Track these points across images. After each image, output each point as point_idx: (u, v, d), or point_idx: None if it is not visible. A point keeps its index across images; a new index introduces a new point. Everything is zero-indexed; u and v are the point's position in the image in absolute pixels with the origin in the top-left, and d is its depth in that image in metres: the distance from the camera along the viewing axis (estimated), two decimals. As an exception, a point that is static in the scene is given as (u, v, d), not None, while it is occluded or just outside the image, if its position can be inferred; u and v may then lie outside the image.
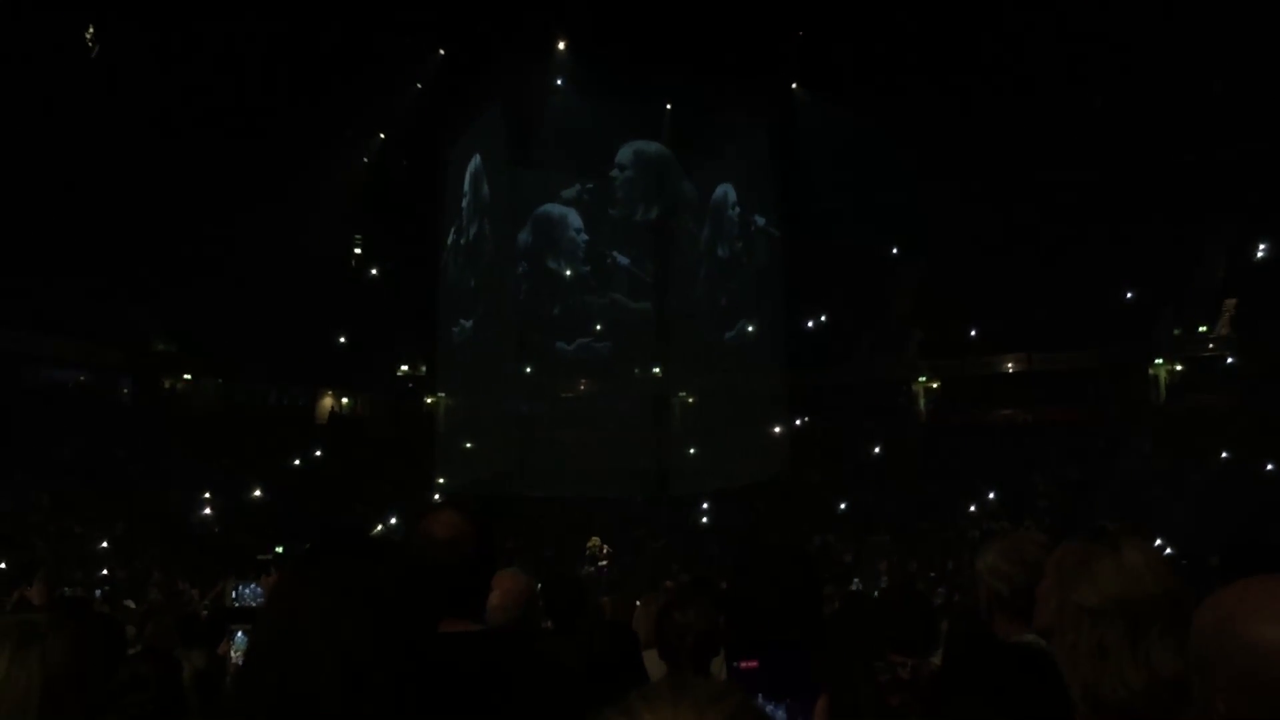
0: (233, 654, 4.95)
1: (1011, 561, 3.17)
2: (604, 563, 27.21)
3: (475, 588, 2.71)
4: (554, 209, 39.33)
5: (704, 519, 34.59)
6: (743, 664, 2.39)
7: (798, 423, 37.72)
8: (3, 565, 20.86)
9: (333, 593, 1.79)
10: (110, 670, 2.27)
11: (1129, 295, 35.90)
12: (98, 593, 16.64)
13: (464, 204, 39.49)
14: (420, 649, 1.80)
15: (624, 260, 39.34)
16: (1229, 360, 35.16)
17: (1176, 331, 36.24)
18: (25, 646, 2.01)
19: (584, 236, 39.42)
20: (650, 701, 1.00)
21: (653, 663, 4.18)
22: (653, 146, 39.52)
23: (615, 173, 39.44)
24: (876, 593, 15.33)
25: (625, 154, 39.54)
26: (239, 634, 5.09)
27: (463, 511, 2.76)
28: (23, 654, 2.00)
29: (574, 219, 39.33)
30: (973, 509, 32.34)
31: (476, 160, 39.09)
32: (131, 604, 14.52)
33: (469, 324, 38.92)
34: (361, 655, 1.73)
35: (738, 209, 39.87)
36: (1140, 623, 1.95)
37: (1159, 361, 36.49)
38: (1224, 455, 31.11)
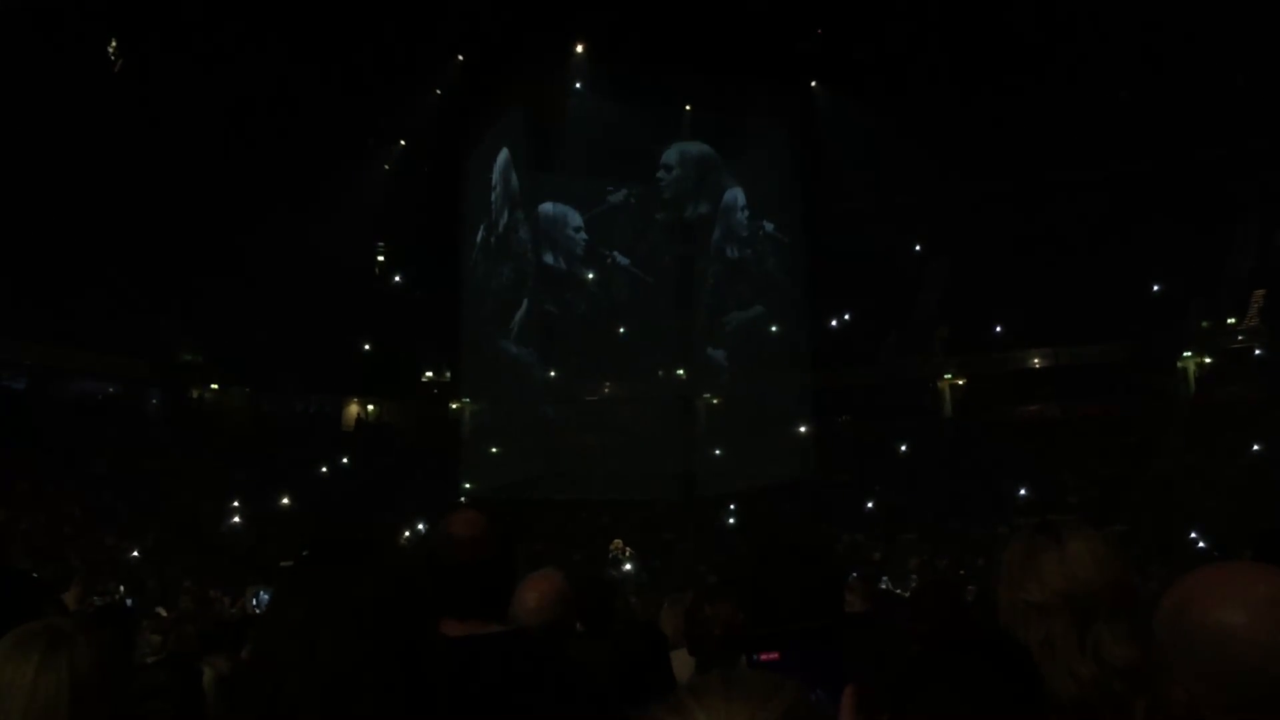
0: None
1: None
2: (627, 566, 27.21)
3: (495, 588, 2.69)
4: (572, 209, 39.32)
5: (731, 520, 34.52)
6: (763, 656, 2.36)
7: (824, 422, 37.58)
8: (35, 575, 21.04)
9: (312, 603, 1.76)
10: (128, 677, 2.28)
11: (1157, 288, 35.62)
12: (128, 602, 16.75)
13: (494, 197, 39.50)
14: (417, 655, 1.78)
15: (649, 276, 39.29)
16: (1258, 352, 34.83)
17: (1205, 324, 35.93)
18: (53, 651, 2.02)
19: (602, 235, 39.41)
20: (702, 698, 0.98)
21: (679, 663, 4.16)
22: (695, 146, 39.55)
23: (662, 174, 39.46)
24: (906, 592, 15.24)
25: (671, 155, 39.59)
26: None
27: (482, 512, 2.75)
28: (51, 659, 2.01)
29: (578, 217, 39.28)
30: (1002, 506, 32.13)
31: (504, 154, 39.16)
32: (163, 612, 14.62)
33: (501, 337, 38.93)
34: (341, 665, 1.71)
35: (746, 212, 39.83)
36: (1085, 614, 1.93)
37: (1188, 354, 36.19)
38: (1255, 448, 30.80)
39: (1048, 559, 2.01)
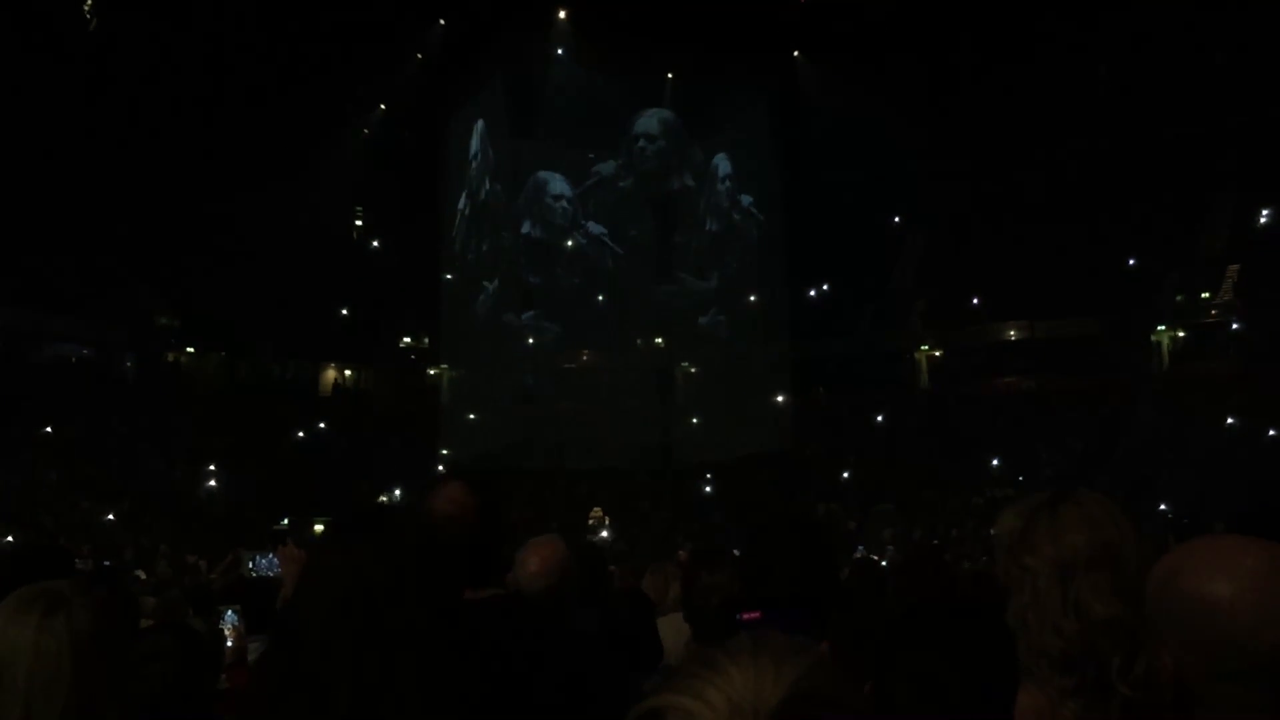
0: (226, 631, 4.97)
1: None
2: (604, 534, 27.34)
3: (483, 559, 2.72)
4: (553, 175, 39.13)
5: (707, 489, 34.72)
6: (745, 616, 2.43)
7: (801, 393, 37.73)
8: (11, 539, 20.97)
9: (353, 572, 1.81)
10: (131, 640, 2.30)
11: (1132, 262, 35.83)
12: (105, 564, 16.72)
13: (473, 164, 39.29)
14: (449, 619, 1.83)
15: (627, 244, 39.13)
16: (1233, 327, 35.15)
17: (1180, 298, 36.21)
18: (52, 614, 2.03)
19: (581, 202, 39.23)
20: (732, 655, 1.01)
21: (666, 628, 4.22)
22: (669, 114, 39.29)
23: (643, 144, 39.18)
24: (884, 560, 15.39)
25: (649, 124, 39.22)
26: (228, 613, 5.11)
27: (467, 484, 2.77)
28: (50, 621, 2.02)
29: (559, 185, 39.06)
30: (977, 478, 32.43)
31: (481, 124, 38.93)
32: (142, 575, 14.62)
33: (479, 304, 38.82)
34: (382, 633, 1.76)
35: (728, 183, 39.77)
36: (1068, 571, 1.98)
37: (1162, 328, 36.48)
38: (1229, 421, 31.16)
39: (1040, 524, 2.08)
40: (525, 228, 38.96)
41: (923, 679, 1.78)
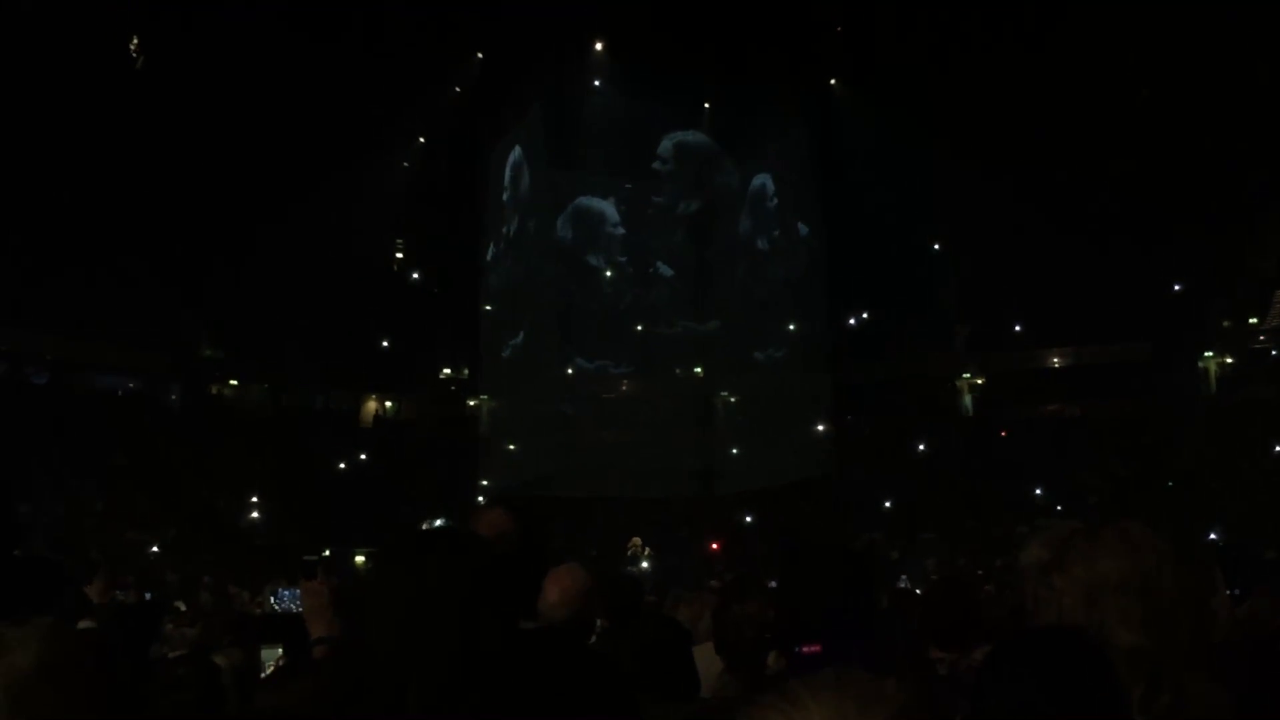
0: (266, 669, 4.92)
1: (1054, 551, 3.13)
2: (645, 564, 27.20)
3: (522, 585, 2.70)
4: (593, 202, 39.34)
5: (748, 518, 34.47)
6: (805, 649, 2.37)
7: (843, 421, 37.47)
8: (58, 561, 21.15)
9: (415, 590, 1.86)
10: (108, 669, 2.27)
11: (1178, 287, 35.38)
12: (146, 596, 16.85)
13: (505, 198, 39.61)
14: (504, 638, 1.86)
15: (667, 272, 39.25)
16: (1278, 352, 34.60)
17: (1227, 323, 35.70)
18: None
19: (621, 230, 39.39)
20: (816, 690, 0.97)
21: (701, 657, 4.15)
22: (693, 136, 39.44)
23: (657, 164, 39.39)
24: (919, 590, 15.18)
25: (666, 146, 39.50)
26: (272, 651, 5.07)
27: (508, 510, 2.76)
28: None
29: (611, 213, 39.30)
30: (1021, 506, 31.99)
31: (517, 152, 39.22)
32: (182, 606, 14.70)
33: (519, 334, 39.04)
34: (440, 650, 1.79)
35: (775, 201, 39.74)
36: (1096, 595, 1.93)
37: (1209, 354, 35.95)
38: (1278, 449, 30.59)
39: (1078, 548, 2.03)
40: (568, 255, 39.13)
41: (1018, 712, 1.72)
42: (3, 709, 1.98)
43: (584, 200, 39.26)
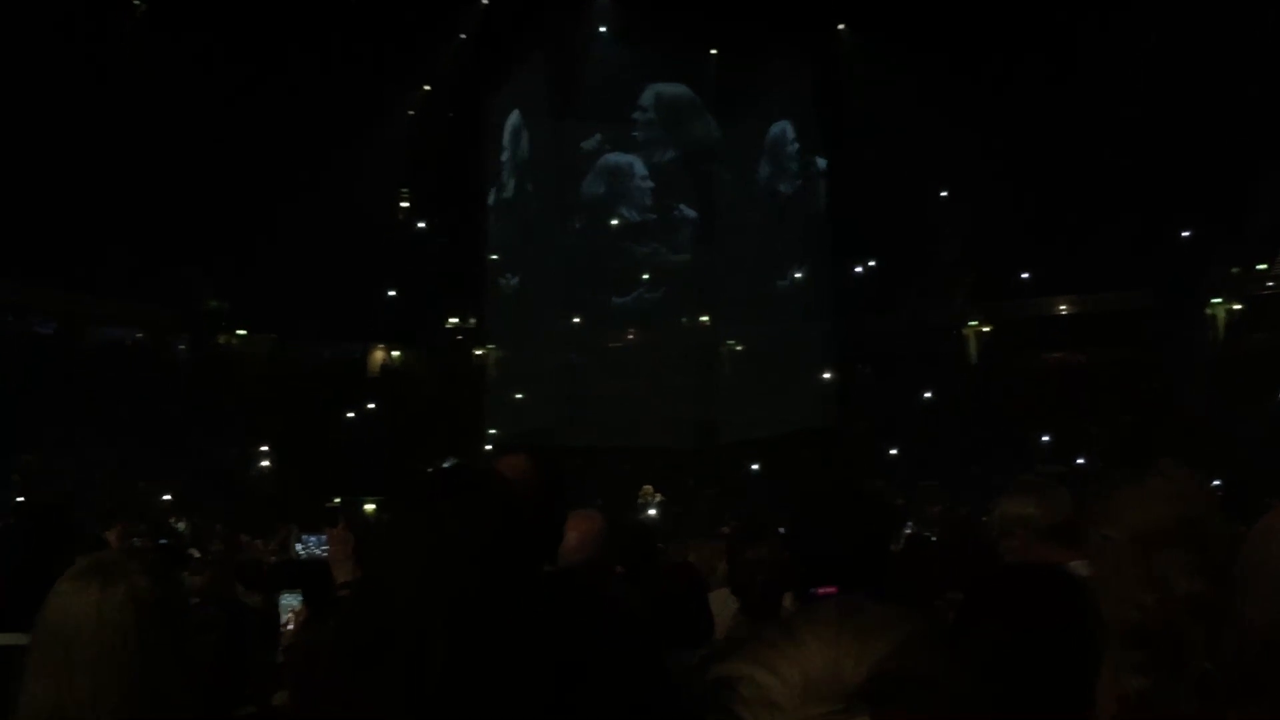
0: (290, 613, 5.01)
1: (1025, 502, 3.19)
2: (652, 511, 27.35)
3: (544, 531, 2.73)
4: (620, 158, 39.16)
5: (753, 467, 34.61)
6: (820, 591, 2.40)
7: (847, 369, 37.47)
8: (65, 509, 21.31)
9: (444, 530, 1.83)
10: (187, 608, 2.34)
11: (1184, 233, 35.18)
12: (162, 541, 16.98)
13: (503, 159, 39.46)
14: (528, 583, 1.84)
15: (691, 214, 39.14)
16: (1289, 298, 34.47)
17: (1234, 270, 35.52)
18: (111, 584, 2.06)
19: (649, 183, 39.24)
20: (814, 624, 0.94)
21: (714, 603, 4.23)
22: (674, 88, 39.13)
23: (637, 114, 39.16)
24: (932, 536, 15.29)
25: (646, 96, 39.25)
26: (291, 596, 5.15)
27: (531, 455, 2.78)
28: (110, 591, 2.06)
29: (639, 167, 39.12)
30: (1025, 454, 32.06)
31: (515, 115, 38.99)
32: (196, 553, 14.83)
33: (514, 280, 39.05)
34: (462, 594, 1.76)
35: (797, 145, 39.52)
36: (1152, 546, 1.96)
37: (1216, 301, 35.82)
38: (1283, 396, 30.61)
39: (1126, 495, 2.06)
40: (624, 213, 39.01)
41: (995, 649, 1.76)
42: (130, 629, 2.04)
43: (585, 154, 39.10)
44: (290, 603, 5.13)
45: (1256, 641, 1.57)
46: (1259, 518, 1.83)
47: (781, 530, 3.97)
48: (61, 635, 2.01)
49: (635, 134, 39.36)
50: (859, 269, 40.08)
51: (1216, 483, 25.59)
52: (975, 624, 1.81)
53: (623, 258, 39.28)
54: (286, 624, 4.91)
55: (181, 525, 23.32)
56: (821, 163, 38.33)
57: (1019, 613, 1.78)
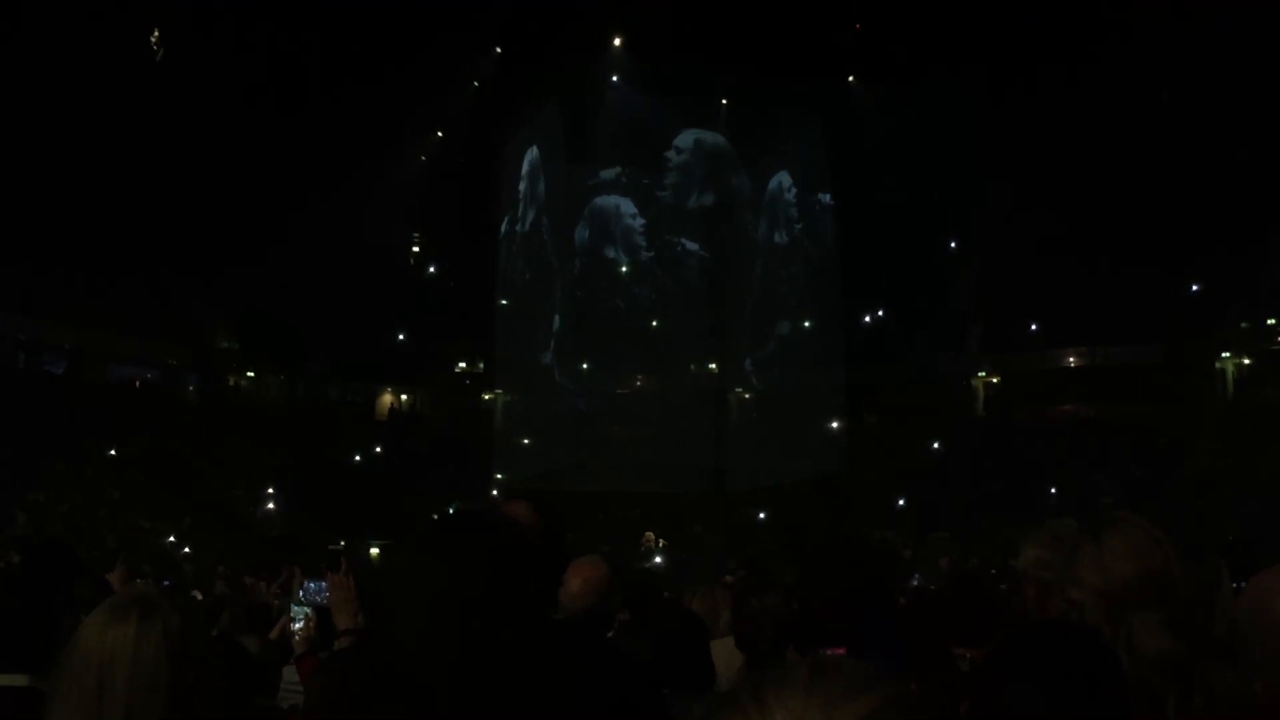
0: (294, 629, 4.97)
1: (1054, 549, 3.15)
2: (658, 558, 27.22)
3: (544, 578, 2.73)
4: (608, 200, 39.44)
5: (760, 515, 34.46)
6: (829, 651, 2.37)
7: (856, 419, 37.39)
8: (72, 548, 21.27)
9: (452, 571, 1.83)
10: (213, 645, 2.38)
11: (1195, 288, 35.17)
12: (165, 583, 16.92)
13: (520, 190, 39.74)
14: (533, 630, 1.84)
15: (692, 246, 39.41)
16: (1297, 354, 34.35)
17: (1244, 324, 35.46)
18: (147, 619, 2.09)
19: (640, 220, 39.48)
20: (781, 689, 0.92)
21: (718, 653, 4.19)
22: (712, 136, 39.54)
23: (671, 154, 39.46)
24: (933, 587, 15.18)
25: (685, 139, 39.68)
26: (302, 610, 5.10)
27: (531, 503, 2.78)
28: (146, 626, 2.08)
29: (627, 206, 39.41)
30: (1034, 506, 31.84)
31: (534, 151, 39.32)
32: (199, 595, 14.76)
33: (534, 329, 39.16)
34: (472, 636, 1.77)
35: (794, 191, 39.77)
36: (1117, 604, 1.93)
37: (1226, 355, 35.72)
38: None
39: (1085, 554, 2.03)
40: (582, 252, 39.21)
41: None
42: (163, 664, 2.06)
43: (600, 200, 39.38)
44: (303, 610, 5.09)
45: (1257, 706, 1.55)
46: (1260, 567, 1.80)
47: (789, 580, 3.95)
48: (95, 666, 2.04)
49: (667, 178, 39.72)
50: (868, 318, 40.12)
51: (1230, 538, 25.49)
52: (1002, 685, 1.78)
53: (634, 303, 39.37)
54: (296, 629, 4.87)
55: (186, 566, 23.29)
56: (831, 211, 38.46)
57: (1052, 675, 1.74)
